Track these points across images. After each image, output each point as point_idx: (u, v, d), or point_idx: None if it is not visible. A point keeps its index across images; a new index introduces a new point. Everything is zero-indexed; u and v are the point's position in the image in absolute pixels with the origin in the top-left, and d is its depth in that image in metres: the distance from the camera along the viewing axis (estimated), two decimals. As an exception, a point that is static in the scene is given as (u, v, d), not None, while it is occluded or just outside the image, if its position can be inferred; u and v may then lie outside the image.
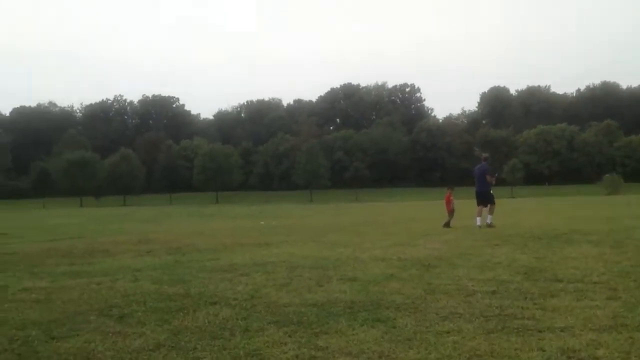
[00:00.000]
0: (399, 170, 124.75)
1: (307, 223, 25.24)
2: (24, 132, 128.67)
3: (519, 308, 6.07)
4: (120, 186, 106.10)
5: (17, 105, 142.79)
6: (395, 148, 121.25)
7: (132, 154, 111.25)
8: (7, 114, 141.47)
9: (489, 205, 17.83)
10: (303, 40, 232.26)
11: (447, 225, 17.87)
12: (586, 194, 79.80)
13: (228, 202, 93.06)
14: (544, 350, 4.51)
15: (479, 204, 17.86)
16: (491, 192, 18.06)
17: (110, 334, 5.38)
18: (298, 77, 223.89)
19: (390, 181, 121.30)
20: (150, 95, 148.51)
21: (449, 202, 18.62)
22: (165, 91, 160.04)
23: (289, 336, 5.14)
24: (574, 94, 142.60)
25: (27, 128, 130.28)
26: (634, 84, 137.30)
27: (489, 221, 17.59)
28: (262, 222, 26.41)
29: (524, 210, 33.45)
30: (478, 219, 17.50)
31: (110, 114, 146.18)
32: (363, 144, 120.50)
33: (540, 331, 5.11)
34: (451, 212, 18.35)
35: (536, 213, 28.99)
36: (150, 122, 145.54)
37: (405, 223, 22.44)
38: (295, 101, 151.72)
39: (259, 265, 9.74)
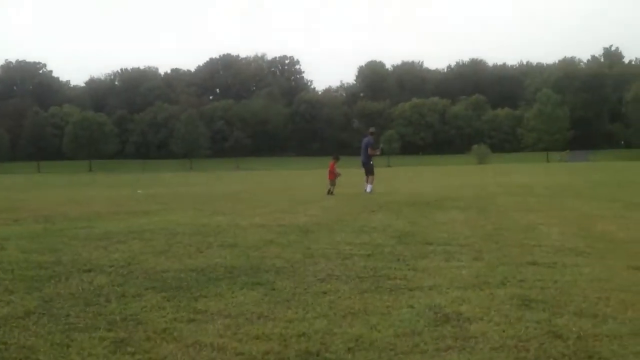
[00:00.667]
0: (279, 140, 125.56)
1: (186, 191, 24.85)
2: None
3: (391, 269, 6.36)
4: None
5: None
6: (276, 119, 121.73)
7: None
8: None
9: (368, 176, 19.12)
10: (181, 9, 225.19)
11: (330, 193, 18.31)
12: (457, 163, 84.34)
13: (103, 171, 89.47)
14: (413, 307, 4.77)
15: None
16: (371, 163, 19.36)
17: (-26, 304, 5.07)
18: (175, 45, 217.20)
19: (270, 151, 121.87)
20: (13, 60, 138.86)
21: (332, 171, 19.03)
22: (30, 56, 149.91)
23: (168, 300, 5.09)
24: (445, 70, 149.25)
25: None
26: (500, 62, 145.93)
27: (368, 190, 18.79)
28: (140, 191, 25.68)
29: (399, 179, 34.79)
30: (369, 186, 18.91)
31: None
32: (243, 114, 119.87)
33: (410, 290, 5.40)
34: (332, 180, 18.78)
35: (410, 182, 30.26)
36: (15, 88, 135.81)
37: (285, 191, 22.69)
38: (172, 70, 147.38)
39: (135, 232, 9.51)
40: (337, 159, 19.91)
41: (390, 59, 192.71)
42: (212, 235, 9.11)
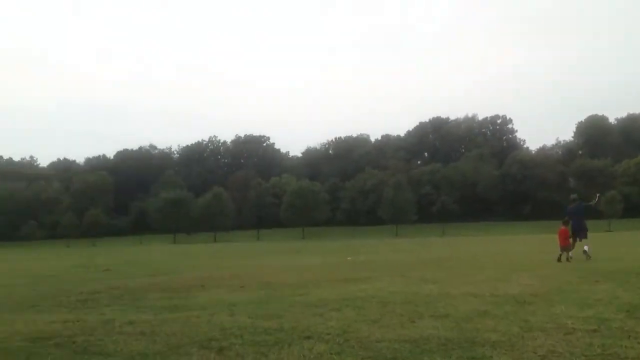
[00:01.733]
0: (488, 203, 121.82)
1: (394, 258, 25.07)
2: (126, 174, 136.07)
3: (622, 347, 5.82)
4: (211, 223, 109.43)
5: (121, 149, 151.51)
6: (485, 181, 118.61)
7: (224, 192, 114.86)
8: (112, 157, 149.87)
9: (581, 238, 18.06)
10: (390, 75, 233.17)
11: (560, 259, 17.49)
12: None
13: (314, 238, 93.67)
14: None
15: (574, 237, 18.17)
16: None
17: (211, 367, 5.57)
18: (386, 112, 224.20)
19: (478, 215, 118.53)
20: (242, 135, 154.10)
21: (565, 237, 18.09)
22: (256, 131, 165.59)
23: (384, 372, 5.16)
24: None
25: (128, 170, 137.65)
26: None
27: (586, 249, 17.75)
28: (349, 258, 26.45)
29: (624, 244, 31.87)
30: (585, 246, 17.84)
31: (205, 154, 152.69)
32: (451, 178, 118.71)
33: (646, 372, 4.90)
34: (566, 246, 17.86)
35: (638, 247, 27.56)
36: (242, 160, 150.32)
37: (495, 257, 21.90)
38: (383, 136, 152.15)
39: (348, 300, 9.80)
40: (567, 223, 18.83)
41: (614, 112, 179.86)
42: (422, 305, 9.07)
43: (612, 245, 29.02)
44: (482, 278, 13.18)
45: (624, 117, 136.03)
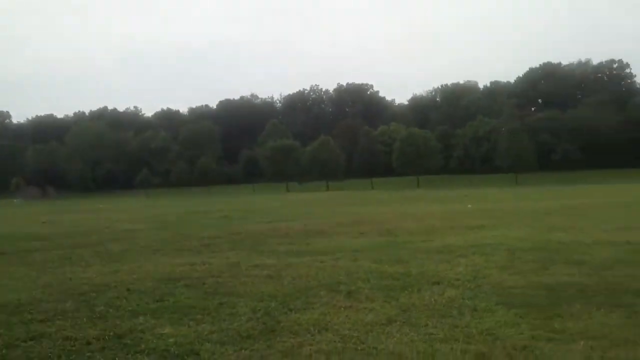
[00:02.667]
0: (612, 151, 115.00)
1: (516, 206, 24.26)
2: (231, 123, 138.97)
3: None
4: (322, 171, 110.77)
5: (223, 99, 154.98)
6: (607, 128, 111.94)
7: (331, 140, 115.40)
8: (214, 107, 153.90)
9: None
10: (495, 21, 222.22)
11: None
12: None
13: (430, 186, 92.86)
14: None
15: None
16: None
17: (342, 308, 5.63)
18: (492, 59, 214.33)
19: (602, 163, 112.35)
20: (344, 83, 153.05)
21: None
22: (358, 79, 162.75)
23: (521, 317, 5.01)
24: None
25: (232, 120, 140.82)
26: None
27: None
28: (470, 205, 25.89)
29: None
30: None
31: (308, 103, 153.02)
32: (571, 125, 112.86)
33: None
34: None
35: None
36: (347, 109, 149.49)
37: (625, 206, 20.65)
38: (492, 83, 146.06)
39: (475, 247, 9.60)
40: None
41: None
42: (554, 252, 8.73)
43: None
44: (614, 226, 12.50)
45: None
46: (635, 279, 6.50)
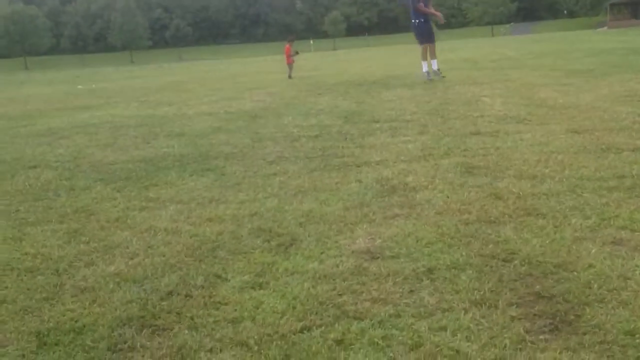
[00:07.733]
0: (222, 27, 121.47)
1: (129, 85, 24.14)
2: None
3: (339, 148, 6.45)
4: None
5: None
6: (216, 4, 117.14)
7: None
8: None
9: (427, 44, 13.72)
10: None
11: (290, 77, 18.16)
12: (404, 42, 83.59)
13: (38, 68, 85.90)
14: (361, 182, 4.89)
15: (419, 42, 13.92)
16: (429, 23, 14.04)
17: None
18: None
19: (213, 39, 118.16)
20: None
21: (288, 55, 18.71)
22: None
23: (118, 191, 5.09)
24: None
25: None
26: None
27: (435, 67, 13.86)
28: (80, 86, 24.85)
29: (345, 61, 34.45)
30: (424, 63, 13.79)
31: None
32: (182, 1, 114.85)
33: (358, 166, 5.51)
34: (290, 65, 18.56)
35: (357, 63, 30.03)
36: None
37: (231, 79, 22.28)
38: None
39: (79, 127, 9.32)
40: (291, 41, 19.45)
41: None
42: (158, 126, 9.00)
43: (335, 62, 31.17)
44: (217, 98, 13.40)
45: None
46: (227, 144, 7.13)
